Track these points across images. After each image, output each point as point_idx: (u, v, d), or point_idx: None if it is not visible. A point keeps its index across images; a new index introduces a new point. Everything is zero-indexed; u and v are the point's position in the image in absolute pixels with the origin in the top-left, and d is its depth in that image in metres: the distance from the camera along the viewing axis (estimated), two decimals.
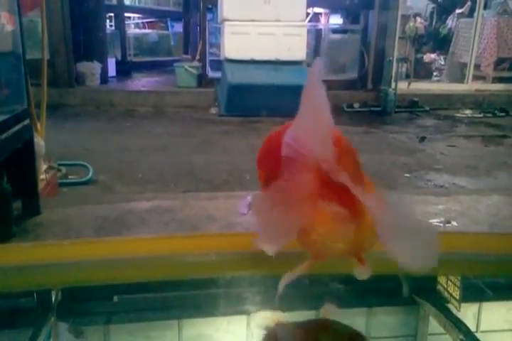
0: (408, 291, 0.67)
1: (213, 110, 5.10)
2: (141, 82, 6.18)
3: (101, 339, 0.54)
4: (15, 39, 1.82)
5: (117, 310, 0.58)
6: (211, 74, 5.82)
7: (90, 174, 2.68)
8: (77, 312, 0.59)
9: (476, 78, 6.37)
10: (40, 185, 2.09)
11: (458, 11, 7.95)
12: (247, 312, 0.59)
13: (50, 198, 2.20)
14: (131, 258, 0.64)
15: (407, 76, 6.33)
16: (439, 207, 2.08)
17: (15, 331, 0.54)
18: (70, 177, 2.69)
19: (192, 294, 0.63)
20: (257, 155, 0.61)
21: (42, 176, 2.25)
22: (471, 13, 6.86)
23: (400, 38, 6.09)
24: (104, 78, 5.72)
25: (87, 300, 0.61)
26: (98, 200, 2.13)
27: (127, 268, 0.64)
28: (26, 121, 1.85)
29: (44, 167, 2.32)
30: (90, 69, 5.48)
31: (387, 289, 0.65)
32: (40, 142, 2.17)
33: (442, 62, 7.41)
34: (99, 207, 1.96)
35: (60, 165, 2.68)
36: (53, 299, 0.63)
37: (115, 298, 0.61)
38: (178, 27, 8.82)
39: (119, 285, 0.65)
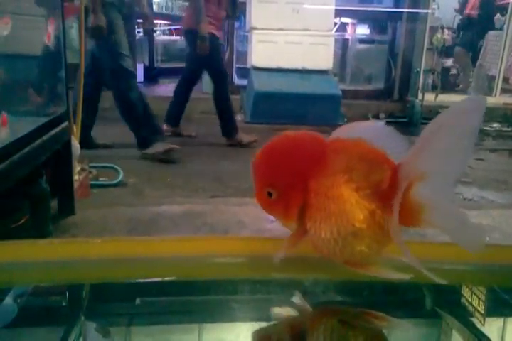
0: (431, 303, 0.66)
1: (239, 117, 5.14)
2: (168, 88, 6.26)
3: (122, 340, 0.55)
4: (59, 44, 1.88)
5: (139, 312, 0.60)
6: (237, 81, 5.87)
7: (120, 176, 2.73)
8: (103, 312, 0.61)
9: (504, 91, 6.29)
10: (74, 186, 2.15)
11: None
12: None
13: (83, 199, 2.25)
14: (159, 258, 0.65)
15: (433, 87, 6.28)
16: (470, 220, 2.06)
17: (47, 329, 0.56)
18: (100, 179, 2.74)
19: (214, 299, 0.64)
20: (258, 165, 0.55)
21: (75, 177, 2.31)
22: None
23: (427, 49, 6.06)
24: None
25: (111, 302, 0.63)
26: (129, 202, 2.17)
27: (155, 267, 0.66)
28: (65, 124, 1.90)
29: (77, 168, 2.38)
30: None
31: (410, 300, 0.65)
32: (75, 144, 2.23)
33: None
34: (131, 209, 1.99)
35: (90, 167, 2.74)
36: (83, 298, 0.65)
37: (137, 300, 0.62)
38: None
39: (141, 288, 0.66)
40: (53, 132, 1.72)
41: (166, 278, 0.67)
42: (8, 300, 0.62)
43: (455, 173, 0.51)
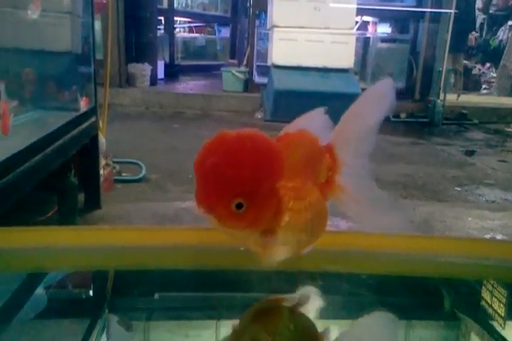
0: (450, 305, 0.65)
1: (258, 115, 5.15)
2: (188, 85, 6.30)
3: (141, 335, 0.56)
4: (88, 42, 1.91)
5: (158, 307, 0.60)
6: (257, 79, 5.87)
7: (143, 172, 2.76)
8: (126, 306, 0.62)
9: None
10: None
11: (510, 22, 7.74)
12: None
13: (107, 194, 2.28)
14: (183, 247, 0.66)
15: (454, 87, 6.20)
16: (495, 222, 2.03)
17: (73, 320, 0.57)
18: (123, 174, 2.77)
19: (231, 295, 0.64)
20: (216, 172, 0.45)
21: (100, 172, 2.34)
22: None
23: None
24: (154, 80, 5.86)
25: (132, 296, 0.64)
26: (153, 198, 2.20)
27: (179, 256, 0.67)
28: (93, 119, 1.93)
29: (102, 163, 2.41)
30: (141, 70, 5.63)
31: (428, 302, 0.64)
32: (101, 139, 2.26)
33: (494, 75, 7.22)
34: (155, 204, 2.01)
35: (114, 162, 2.77)
36: (108, 291, 0.66)
37: (156, 295, 0.63)
38: (225, 32, 8.96)
39: (161, 283, 0.66)
40: (83, 126, 1.75)
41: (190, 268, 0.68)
42: (39, 291, 0.63)
43: (367, 153, 0.55)
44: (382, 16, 6.81)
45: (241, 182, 0.45)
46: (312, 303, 0.59)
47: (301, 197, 0.49)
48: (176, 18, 7.90)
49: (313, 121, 0.55)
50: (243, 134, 0.47)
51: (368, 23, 7.21)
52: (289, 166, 0.48)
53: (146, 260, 0.68)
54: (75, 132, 1.66)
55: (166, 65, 6.75)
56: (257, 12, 6.13)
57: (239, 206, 0.46)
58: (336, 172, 0.54)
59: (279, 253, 0.51)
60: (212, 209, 0.46)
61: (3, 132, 1.05)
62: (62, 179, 1.73)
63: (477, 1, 7.71)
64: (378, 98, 0.54)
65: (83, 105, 1.73)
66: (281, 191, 0.48)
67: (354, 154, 0.54)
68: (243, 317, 0.55)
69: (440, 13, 5.64)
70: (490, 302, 0.62)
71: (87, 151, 1.90)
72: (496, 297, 0.63)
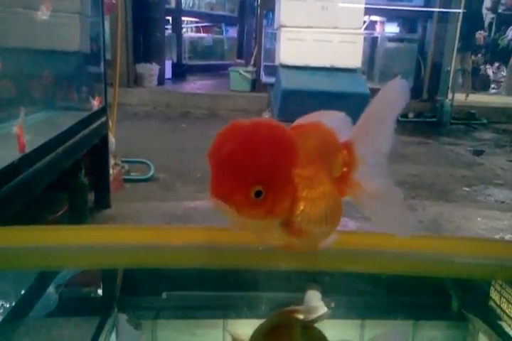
0: (458, 306, 0.65)
1: (266, 115, 5.15)
2: (195, 85, 6.31)
3: (149, 333, 0.56)
4: (98, 42, 1.92)
5: (165, 306, 0.61)
6: (265, 79, 5.88)
7: (152, 171, 2.77)
8: (133, 305, 0.62)
9: None
10: None
11: None
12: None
13: (116, 193, 2.29)
14: (192, 246, 0.67)
15: (462, 87, 6.17)
16: (504, 222, 2.03)
17: (83, 319, 0.58)
18: (132, 173, 2.79)
19: (239, 295, 0.64)
20: (234, 160, 0.44)
21: (110, 171, 2.36)
22: None
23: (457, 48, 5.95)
24: (161, 80, 5.88)
25: (140, 295, 0.64)
26: (162, 197, 2.21)
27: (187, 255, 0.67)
28: (103, 118, 1.94)
29: (112, 163, 2.43)
30: (149, 70, 5.65)
31: (436, 302, 0.64)
32: (111, 139, 2.28)
33: (504, 74, 7.18)
34: (165, 204, 2.02)
35: (123, 161, 2.78)
36: (117, 290, 0.67)
37: (164, 295, 0.63)
38: (232, 32, 8.97)
39: (168, 282, 0.67)
40: (93, 126, 1.76)
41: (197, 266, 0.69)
42: (51, 289, 0.64)
43: (386, 152, 0.54)
44: (390, 16, 6.79)
45: (260, 169, 0.44)
46: (322, 310, 0.57)
47: (315, 186, 0.49)
48: (183, 18, 7.92)
49: (331, 118, 0.55)
50: (258, 122, 0.46)
51: (375, 22, 7.19)
52: (302, 155, 0.48)
53: (154, 259, 0.69)
54: (86, 131, 1.67)
55: (173, 65, 6.77)
56: (265, 12, 6.13)
57: (257, 194, 0.45)
58: (353, 169, 0.54)
59: (296, 244, 0.51)
60: (231, 198, 0.44)
61: (20, 150, 1.14)
62: (73, 178, 1.75)
63: (486, 0, 7.65)
64: (394, 96, 0.54)
65: (96, 105, 1.75)
66: (296, 179, 0.48)
67: (373, 153, 0.54)
68: (254, 334, 0.53)
69: (448, 12, 5.61)
70: (498, 303, 0.62)
71: (97, 151, 1.92)
72: (504, 297, 0.63)
